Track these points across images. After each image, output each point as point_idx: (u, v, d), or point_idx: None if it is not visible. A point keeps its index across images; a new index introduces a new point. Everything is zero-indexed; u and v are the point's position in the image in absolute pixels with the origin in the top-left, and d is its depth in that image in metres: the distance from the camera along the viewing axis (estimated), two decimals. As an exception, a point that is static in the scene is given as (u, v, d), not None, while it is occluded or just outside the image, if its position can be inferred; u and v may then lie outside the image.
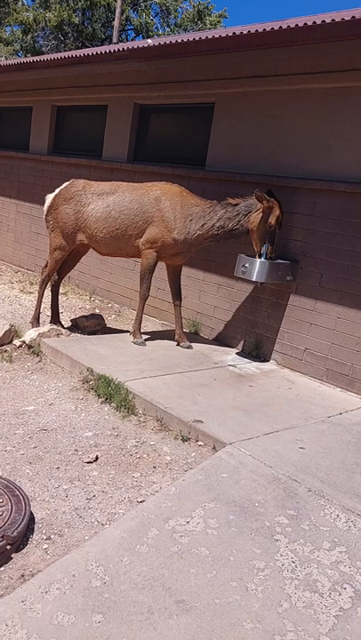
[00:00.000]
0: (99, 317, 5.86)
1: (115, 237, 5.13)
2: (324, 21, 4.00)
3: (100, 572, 2.17)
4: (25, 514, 2.47)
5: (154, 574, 2.19)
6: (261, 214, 4.69)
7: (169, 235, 4.95)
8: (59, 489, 2.87)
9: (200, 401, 3.96)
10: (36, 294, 5.65)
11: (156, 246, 5.02)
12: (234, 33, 4.56)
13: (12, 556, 2.32)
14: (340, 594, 2.19)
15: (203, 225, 4.88)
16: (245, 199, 4.80)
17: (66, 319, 5.90)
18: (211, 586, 2.17)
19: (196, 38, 4.94)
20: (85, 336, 5.38)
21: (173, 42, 5.19)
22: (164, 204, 4.96)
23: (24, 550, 2.37)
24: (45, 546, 2.42)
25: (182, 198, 4.98)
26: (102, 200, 5.16)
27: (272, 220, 4.66)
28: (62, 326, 5.49)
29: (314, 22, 4.03)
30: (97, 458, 3.22)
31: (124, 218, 5.05)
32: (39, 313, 5.58)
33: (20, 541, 2.39)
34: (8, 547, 2.29)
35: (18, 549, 2.36)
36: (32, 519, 2.55)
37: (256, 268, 4.75)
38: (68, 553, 2.33)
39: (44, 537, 2.47)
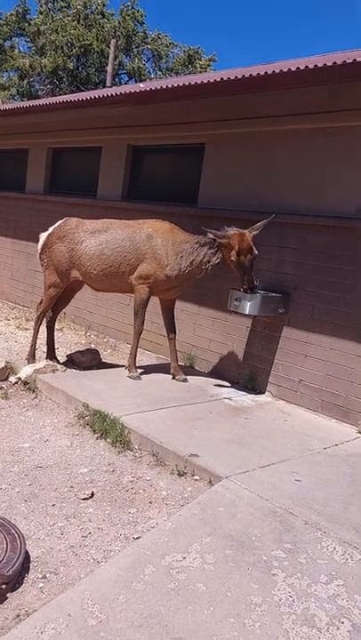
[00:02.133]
0: (94, 352, 5.90)
1: (108, 274, 5.23)
2: (307, 67, 4.19)
3: (96, 610, 2.15)
4: (20, 552, 2.45)
5: (150, 612, 2.17)
6: (225, 250, 4.83)
7: (162, 271, 5.04)
8: (54, 527, 2.85)
9: (196, 434, 3.96)
10: (32, 331, 5.70)
11: (148, 282, 5.11)
12: (222, 78, 4.77)
13: (8, 595, 2.29)
14: (339, 628, 2.17)
15: (192, 261, 4.99)
16: (218, 233, 4.86)
17: (62, 354, 5.93)
18: (208, 622, 2.15)
19: (186, 83, 5.15)
20: (81, 371, 5.40)
21: (164, 87, 5.41)
22: (156, 242, 5.07)
23: (19, 589, 2.35)
24: (41, 585, 2.39)
25: (173, 235, 5.10)
26: (95, 238, 5.28)
27: (232, 256, 4.73)
28: (58, 362, 5.52)
29: (298, 68, 4.23)
30: (93, 494, 3.21)
31: (117, 255, 5.15)
32: (35, 349, 5.62)
33: (16, 580, 2.37)
34: (3, 586, 2.27)
35: (13, 589, 2.34)
36: (27, 557, 2.53)
37: (248, 301, 4.83)
38: (64, 592, 2.31)
39: (40, 575, 2.45)
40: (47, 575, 2.46)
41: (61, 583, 2.41)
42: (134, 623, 2.11)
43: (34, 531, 2.79)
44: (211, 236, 4.90)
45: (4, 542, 2.51)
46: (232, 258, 4.75)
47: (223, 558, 2.55)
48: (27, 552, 2.54)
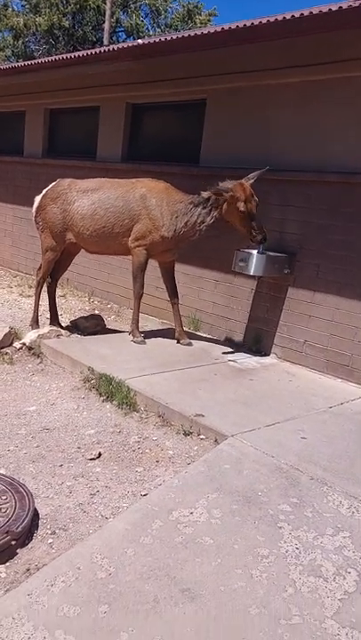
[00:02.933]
0: (98, 318, 5.88)
1: (101, 235, 5.13)
2: (311, 12, 4.01)
3: (105, 563, 2.19)
4: (29, 510, 2.48)
5: (159, 564, 2.21)
6: (227, 205, 4.66)
7: (157, 232, 4.94)
8: (62, 485, 2.88)
9: (201, 396, 3.97)
10: (34, 297, 5.67)
11: (145, 244, 5.02)
12: (223, 28, 4.58)
13: (18, 551, 2.33)
14: (345, 578, 2.20)
15: (187, 222, 4.86)
16: (213, 190, 4.69)
17: (65, 321, 5.91)
18: (215, 574, 2.18)
19: (185, 35, 4.96)
20: (85, 337, 5.39)
21: (161, 40, 5.21)
22: (151, 202, 4.96)
23: (29, 545, 2.39)
24: (50, 540, 2.43)
25: (168, 195, 4.97)
26: (87, 197, 5.17)
27: (240, 206, 4.59)
28: (62, 327, 5.51)
29: (301, 14, 4.05)
30: (100, 454, 3.23)
31: (110, 216, 5.05)
32: (38, 315, 5.60)
33: (25, 537, 2.40)
34: (13, 542, 2.31)
35: (23, 545, 2.38)
36: (36, 515, 2.56)
37: (253, 262, 4.76)
38: (73, 546, 2.35)
39: (49, 532, 2.49)
40: (56, 531, 2.50)
41: (70, 539, 2.45)
42: (143, 575, 2.14)
43: (42, 490, 2.82)
44: (205, 195, 4.74)
45: (13, 500, 2.54)
46: (240, 208, 4.58)
47: (230, 513, 2.57)
48: (35, 510, 2.57)
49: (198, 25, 21.92)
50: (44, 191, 5.41)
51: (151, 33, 22.45)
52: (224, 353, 5.12)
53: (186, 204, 4.87)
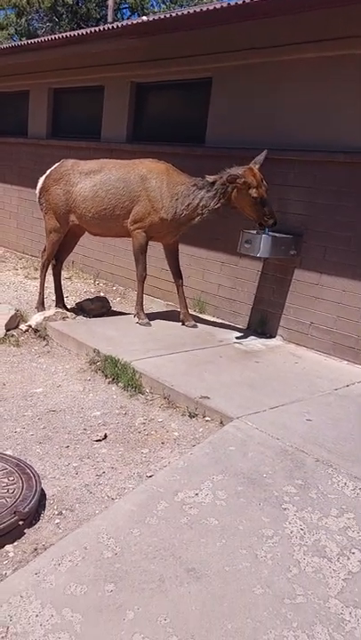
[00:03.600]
0: (103, 300, 5.87)
1: (103, 217, 5.10)
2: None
3: (112, 543, 2.21)
4: (36, 490, 2.51)
5: (164, 544, 2.23)
6: (237, 191, 4.57)
7: (156, 214, 4.89)
8: (69, 467, 2.91)
9: (206, 378, 3.97)
10: (39, 279, 5.67)
11: (144, 226, 4.98)
12: (228, 4, 4.47)
13: (25, 531, 2.36)
14: (349, 558, 2.22)
15: (188, 205, 4.79)
16: (222, 176, 4.63)
17: (71, 303, 5.91)
18: (220, 554, 2.20)
19: (191, 11, 4.84)
20: (91, 319, 5.40)
21: (164, 17, 5.10)
22: (150, 183, 4.90)
23: (36, 525, 2.42)
24: (57, 521, 2.46)
25: (168, 176, 4.90)
26: (90, 179, 5.13)
27: (253, 193, 4.52)
28: (67, 310, 5.51)
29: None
30: (106, 436, 3.26)
31: (111, 197, 5.00)
32: (44, 297, 5.60)
33: (33, 517, 2.43)
34: (20, 522, 2.34)
35: (30, 525, 2.41)
36: (43, 495, 2.59)
37: (259, 243, 4.71)
38: (80, 527, 2.38)
39: (56, 512, 2.52)
40: (63, 512, 2.52)
41: (77, 519, 2.48)
42: (148, 555, 2.17)
43: (49, 471, 2.85)
44: (210, 179, 4.65)
45: (20, 481, 2.56)
46: (253, 195, 4.50)
47: (235, 494, 2.59)
48: (42, 490, 2.60)
49: (204, 1, 21.44)
50: (47, 172, 5.38)
51: (156, 10, 22.01)
52: (229, 335, 5.11)
53: (188, 186, 4.81)
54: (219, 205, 4.72)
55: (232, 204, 4.71)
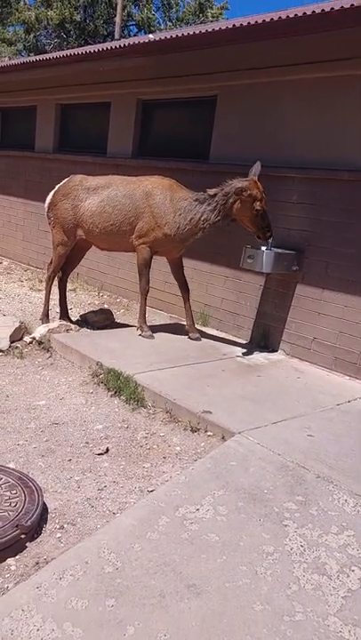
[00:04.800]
0: (107, 312, 5.92)
1: (110, 232, 5.17)
2: (323, 10, 3.98)
3: (113, 558, 2.23)
4: (38, 504, 2.53)
5: (165, 560, 2.24)
6: (240, 203, 4.63)
7: (160, 230, 4.95)
8: (71, 480, 2.93)
9: (209, 392, 4.00)
10: (44, 291, 5.72)
11: (148, 241, 5.04)
12: (234, 25, 4.56)
13: (27, 544, 2.38)
14: (349, 576, 2.23)
15: (190, 219, 4.84)
16: (222, 188, 4.69)
17: (75, 315, 5.96)
18: (221, 570, 2.21)
19: (197, 32, 4.94)
20: (94, 331, 5.44)
21: (172, 36, 5.20)
22: (155, 199, 4.96)
23: (38, 539, 2.43)
24: (59, 535, 2.48)
25: (172, 192, 4.97)
26: (97, 195, 5.20)
27: (257, 205, 4.59)
28: (71, 322, 5.56)
29: (313, 12, 4.02)
30: (108, 449, 3.28)
31: (118, 213, 5.07)
32: (48, 309, 5.65)
33: (34, 531, 2.45)
34: (22, 536, 2.35)
35: (32, 538, 2.42)
36: (45, 509, 2.61)
37: (262, 259, 4.76)
38: (81, 541, 2.39)
39: (58, 526, 2.53)
40: (65, 526, 2.54)
41: (79, 533, 2.49)
42: (149, 570, 2.18)
43: (51, 484, 2.87)
44: (211, 192, 4.71)
45: (23, 495, 2.58)
46: (257, 207, 4.58)
47: (235, 510, 2.60)
48: (44, 504, 2.62)
49: (210, 19, 21.78)
50: (56, 187, 5.46)
51: (162, 27, 22.36)
52: (232, 349, 5.13)
53: (190, 201, 4.86)
54: (219, 218, 4.76)
55: (232, 216, 4.75)
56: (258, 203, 4.58)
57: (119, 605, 2.00)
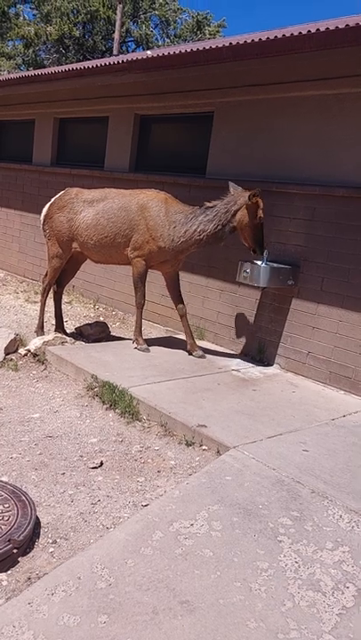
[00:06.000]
0: (103, 325, 5.91)
1: (104, 245, 5.18)
2: (318, 30, 4.06)
3: (106, 574, 2.20)
4: (31, 518, 2.50)
5: (158, 576, 2.22)
6: (246, 210, 4.69)
7: (154, 243, 4.97)
8: (64, 494, 2.90)
9: (204, 406, 3.99)
10: (40, 304, 5.72)
11: (143, 254, 5.05)
12: (230, 43, 4.64)
13: (19, 559, 2.35)
14: (343, 593, 2.21)
15: (185, 231, 4.86)
16: (222, 199, 4.78)
17: (70, 327, 5.95)
18: (215, 586, 2.19)
19: (194, 49, 5.02)
20: (90, 344, 5.43)
21: (171, 53, 5.27)
22: (149, 212, 4.99)
23: (30, 554, 2.40)
24: (51, 549, 2.45)
25: (167, 205, 5.00)
26: (92, 208, 5.23)
27: (260, 213, 4.68)
28: (67, 334, 5.55)
29: (308, 31, 4.10)
30: (102, 463, 3.25)
31: (112, 226, 5.09)
32: (43, 322, 5.65)
33: (27, 545, 2.42)
34: (14, 550, 2.33)
35: (24, 553, 2.39)
36: (38, 523, 2.58)
37: (258, 273, 4.79)
38: (74, 556, 2.36)
39: (50, 541, 2.51)
40: (57, 540, 2.51)
41: (71, 548, 2.47)
42: (142, 586, 2.15)
43: (44, 498, 2.84)
44: (209, 204, 4.77)
45: (15, 508, 2.56)
46: (260, 215, 4.67)
47: (230, 525, 2.58)
48: (37, 518, 2.59)
49: (207, 36, 22.12)
50: (51, 200, 5.49)
51: (160, 43, 22.67)
52: (228, 362, 5.13)
53: (186, 214, 4.89)
54: (219, 228, 4.76)
55: (234, 225, 4.75)
56: (260, 210, 4.68)
57: (112, 622, 1.97)
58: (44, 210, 5.50)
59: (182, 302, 5.32)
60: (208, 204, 4.82)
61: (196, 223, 4.83)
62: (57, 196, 5.48)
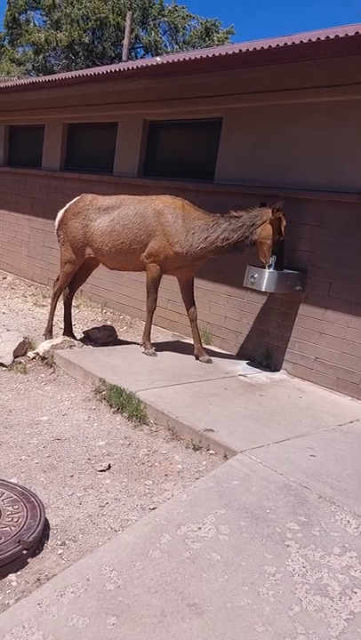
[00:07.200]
0: (110, 329, 5.94)
1: (120, 251, 5.21)
2: (328, 37, 4.09)
3: (114, 576, 2.22)
4: (40, 520, 2.52)
5: (166, 579, 2.23)
6: (270, 225, 4.73)
7: (171, 248, 5.00)
8: (73, 496, 2.92)
9: (211, 410, 4.00)
10: (49, 307, 5.76)
11: (158, 260, 5.08)
12: (240, 50, 4.67)
13: (28, 560, 2.37)
14: (351, 598, 2.21)
15: (206, 238, 4.88)
16: (248, 211, 4.81)
17: (78, 331, 5.98)
18: (223, 590, 2.20)
19: (204, 56, 5.06)
20: (97, 347, 5.45)
21: (181, 60, 5.32)
22: (166, 218, 5.02)
23: (40, 555, 2.42)
24: (60, 551, 2.47)
25: (184, 212, 5.03)
26: (108, 214, 5.26)
27: (283, 225, 4.74)
28: (75, 338, 5.58)
29: (318, 38, 4.13)
30: (110, 466, 3.27)
31: (128, 232, 5.12)
32: (52, 325, 5.68)
33: (36, 546, 2.44)
34: (24, 552, 2.35)
35: (34, 554, 2.42)
36: (47, 525, 2.60)
37: (265, 278, 4.80)
38: (83, 558, 2.38)
39: (59, 542, 2.53)
40: (66, 542, 2.53)
41: (80, 550, 2.48)
42: (150, 589, 2.17)
43: (53, 500, 2.86)
44: (235, 214, 4.79)
45: (25, 510, 2.58)
46: (282, 231, 4.73)
47: (238, 529, 2.59)
48: (46, 520, 2.61)
49: (216, 42, 22.23)
50: (66, 205, 5.52)
51: (169, 50, 22.81)
52: (235, 367, 5.15)
53: (206, 220, 4.91)
54: (241, 239, 4.79)
55: (255, 239, 4.78)
56: (284, 222, 4.72)
57: (120, 624, 1.98)
58: (59, 215, 5.53)
59: (194, 307, 5.34)
60: (234, 214, 4.84)
61: (219, 230, 4.85)
62: (72, 201, 5.51)
